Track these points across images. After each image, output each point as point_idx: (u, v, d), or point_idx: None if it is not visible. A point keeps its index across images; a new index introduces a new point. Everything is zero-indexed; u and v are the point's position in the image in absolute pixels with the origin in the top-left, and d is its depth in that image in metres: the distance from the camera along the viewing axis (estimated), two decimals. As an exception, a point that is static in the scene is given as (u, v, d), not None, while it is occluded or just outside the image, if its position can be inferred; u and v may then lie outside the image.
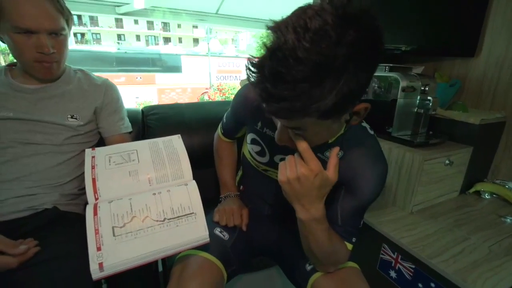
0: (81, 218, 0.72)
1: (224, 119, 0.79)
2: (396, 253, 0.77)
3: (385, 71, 1.02)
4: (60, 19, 0.67)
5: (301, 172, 0.45)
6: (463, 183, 1.02)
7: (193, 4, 2.45)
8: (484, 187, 1.01)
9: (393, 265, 0.79)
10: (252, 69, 0.37)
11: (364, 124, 0.59)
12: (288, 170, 0.47)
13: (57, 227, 0.65)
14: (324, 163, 0.54)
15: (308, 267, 0.63)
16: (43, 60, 0.68)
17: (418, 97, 0.96)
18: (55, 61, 0.70)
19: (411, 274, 0.74)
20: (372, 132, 0.59)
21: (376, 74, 1.04)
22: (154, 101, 8.64)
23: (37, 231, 0.63)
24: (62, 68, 0.78)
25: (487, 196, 1.00)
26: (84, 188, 0.79)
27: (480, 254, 0.69)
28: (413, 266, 0.73)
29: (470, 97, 1.13)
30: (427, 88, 0.96)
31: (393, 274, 0.80)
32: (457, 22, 1.05)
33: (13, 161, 0.68)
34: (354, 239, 0.58)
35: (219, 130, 0.83)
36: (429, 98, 0.94)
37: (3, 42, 0.67)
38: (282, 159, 0.61)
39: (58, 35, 0.68)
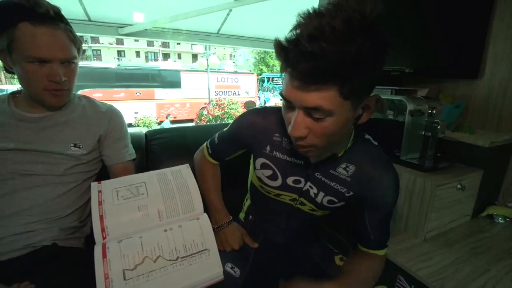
0: (82, 254, 0.69)
1: (216, 140, 0.74)
2: (413, 286, 0.74)
3: (391, 94, 1.03)
4: (72, 49, 0.68)
5: None
6: (474, 207, 1.00)
7: (195, 25, 2.50)
8: (497, 211, 0.99)
9: (410, 298, 0.75)
10: (285, 43, 0.42)
11: (367, 136, 0.64)
12: None
13: (55, 266, 0.62)
14: (337, 179, 0.61)
15: None
16: (54, 88, 0.67)
17: (426, 120, 0.96)
18: (66, 88, 0.69)
19: (431, 309, 0.70)
20: (376, 143, 0.63)
21: (382, 97, 1.04)
22: (153, 116, 8.66)
23: (34, 271, 0.59)
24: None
25: (500, 220, 0.98)
26: (84, 220, 0.76)
27: (504, 288, 0.66)
28: (433, 301, 0.70)
29: (476, 118, 1.13)
30: (434, 111, 0.96)
31: (410, 307, 0.76)
32: (458, 44, 1.06)
33: (11, 195, 0.65)
34: (387, 243, 0.65)
35: (205, 151, 0.77)
36: (436, 120, 0.94)
37: (12, 73, 0.67)
38: (295, 181, 0.63)
39: (70, 64, 0.68)
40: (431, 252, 0.80)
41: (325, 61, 0.39)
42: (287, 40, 0.42)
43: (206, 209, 0.62)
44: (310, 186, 0.63)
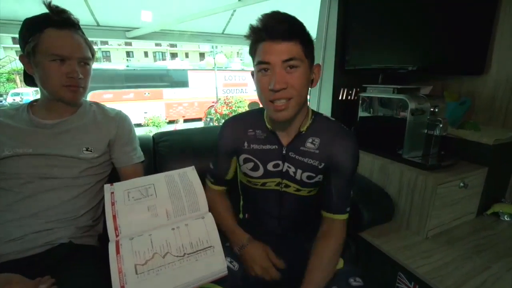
0: (95, 250, 0.74)
1: (211, 166, 0.81)
2: (413, 283, 0.75)
3: (393, 92, 1.03)
4: (88, 51, 0.76)
5: None
6: (479, 205, 0.99)
7: (201, 26, 2.53)
8: (502, 208, 0.99)
9: (411, 294, 0.77)
10: (256, 25, 0.59)
11: (325, 114, 0.75)
12: None
13: (72, 261, 0.67)
14: (308, 154, 0.71)
15: (354, 283, 0.63)
16: (71, 84, 0.73)
17: (428, 118, 0.96)
18: (81, 86, 0.76)
19: (431, 305, 0.72)
20: (333, 119, 0.74)
21: (384, 96, 1.05)
22: (162, 115, 8.80)
23: (54, 266, 0.64)
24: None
25: (506, 218, 0.98)
26: (97, 219, 0.81)
27: (504, 285, 0.67)
28: (433, 297, 0.71)
29: (481, 115, 1.12)
30: (436, 110, 0.96)
31: (411, 303, 0.77)
32: (463, 41, 1.05)
33: (31, 197, 0.70)
34: (348, 209, 0.72)
35: (208, 183, 0.82)
36: (439, 119, 0.94)
37: (33, 74, 0.73)
38: (275, 165, 0.72)
39: (85, 64, 0.76)
40: (432, 250, 0.81)
41: (293, 23, 0.58)
42: (259, 21, 0.58)
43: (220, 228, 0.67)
44: (288, 166, 0.71)
